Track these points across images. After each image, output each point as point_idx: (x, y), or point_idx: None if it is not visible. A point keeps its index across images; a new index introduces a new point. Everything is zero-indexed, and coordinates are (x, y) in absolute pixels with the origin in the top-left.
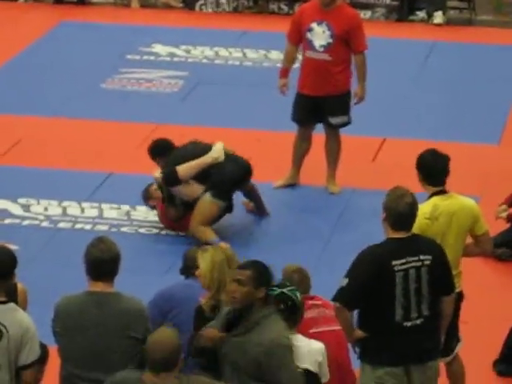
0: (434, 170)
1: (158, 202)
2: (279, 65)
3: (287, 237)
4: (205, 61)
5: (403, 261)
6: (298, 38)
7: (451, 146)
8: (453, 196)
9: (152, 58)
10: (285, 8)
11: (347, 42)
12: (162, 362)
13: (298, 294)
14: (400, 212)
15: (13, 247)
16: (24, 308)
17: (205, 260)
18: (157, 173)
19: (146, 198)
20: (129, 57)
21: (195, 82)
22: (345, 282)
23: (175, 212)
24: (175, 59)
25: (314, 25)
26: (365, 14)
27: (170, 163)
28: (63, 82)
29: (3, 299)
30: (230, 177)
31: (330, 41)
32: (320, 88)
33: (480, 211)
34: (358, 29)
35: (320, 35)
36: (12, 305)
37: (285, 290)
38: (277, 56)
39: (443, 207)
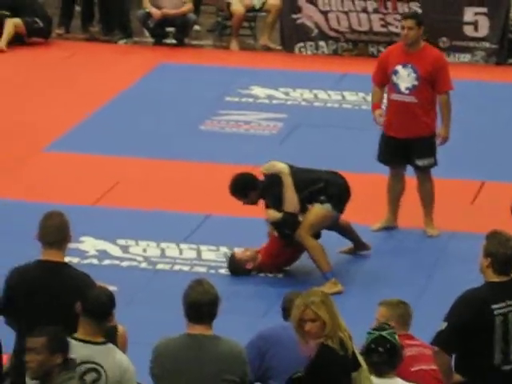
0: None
1: (262, 252)
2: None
3: (384, 278)
4: (304, 103)
5: (503, 304)
6: (383, 79)
7: None
8: None
9: (251, 100)
10: (384, 51)
11: (432, 84)
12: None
13: (397, 338)
14: (508, 256)
15: (111, 288)
16: (124, 350)
17: (320, 308)
18: (271, 213)
19: (238, 267)
20: (228, 99)
21: (294, 125)
22: (444, 325)
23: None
24: (274, 101)
25: (399, 67)
26: (464, 57)
27: (273, 197)
28: (162, 123)
29: (101, 340)
30: (344, 188)
31: (416, 83)
32: (406, 130)
33: None
34: (443, 69)
35: (405, 78)
36: (111, 346)
37: (384, 333)
38: None
39: None
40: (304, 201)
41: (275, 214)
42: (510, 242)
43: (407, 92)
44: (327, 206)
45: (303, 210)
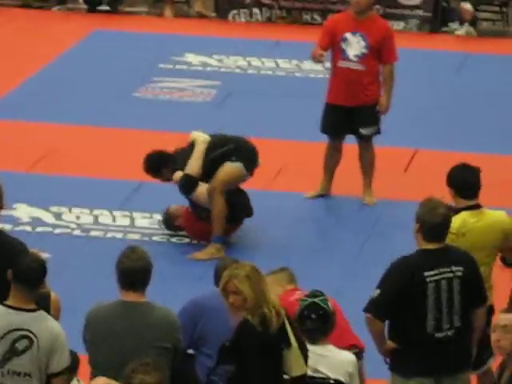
0: (465, 183)
1: (182, 216)
2: (312, 75)
3: (320, 247)
4: (237, 70)
5: (435, 272)
6: (329, 45)
7: (483, 157)
8: (483, 212)
9: (184, 67)
10: (318, 18)
11: (378, 53)
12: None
13: (329, 304)
14: (434, 223)
15: (45, 255)
16: (57, 317)
17: (242, 283)
18: (176, 174)
19: (170, 222)
20: (161, 66)
21: (228, 92)
22: (376, 292)
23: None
24: (208, 69)
25: (348, 35)
26: (398, 25)
27: (183, 163)
28: (96, 90)
29: (33, 307)
30: (253, 151)
31: (364, 51)
32: (352, 98)
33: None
34: (390, 39)
35: (354, 45)
36: (42, 312)
37: (316, 300)
38: (309, 66)
39: (471, 224)
40: (215, 161)
41: (178, 174)
42: (438, 208)
43: (356, 59)
44: (238, 164)
45: (212, 171)
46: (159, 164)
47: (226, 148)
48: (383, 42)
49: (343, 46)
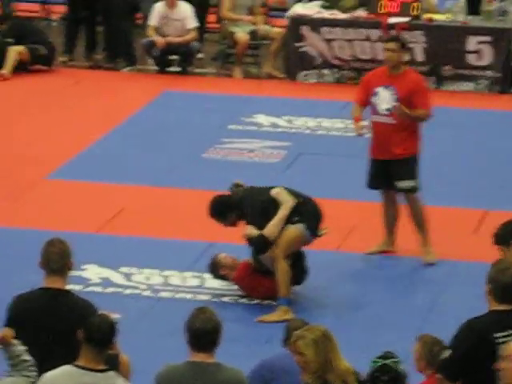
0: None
1: (235, 269)
2: None
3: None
4: (307, 131)
5: (505, 333)
6: (365, 100)
7: None
8: None
9: (254, 128)
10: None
11: (410, 105)
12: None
13: (402, 366)
14: (506, 284)
15: (114, 316)
16: (127, 378)
17: (308, 346)
18: (248, 228)
19: (216, 269)
20: (231, 127)
21: (297, 153)
22: (448, 353)
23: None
24: (278, 130)
25: (380, 89)
26: (467, 86)
27: (251, 214)
28: (166, 151)
29: (103, 367)
30: (318, 212)
31: (395, 104)
32: (384, 151)
33: None
34: (422, 91)
35: (385, 99)
36: (112, 373)
37: (387, 362)
38: None
39: None
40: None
41: (252, 231)
42: (510, 269)
43: (386, 113)
44: (299, 226)
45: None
46: (225, 208)
47: (297, 201)
48: (414, 93)
49: (375, 99)
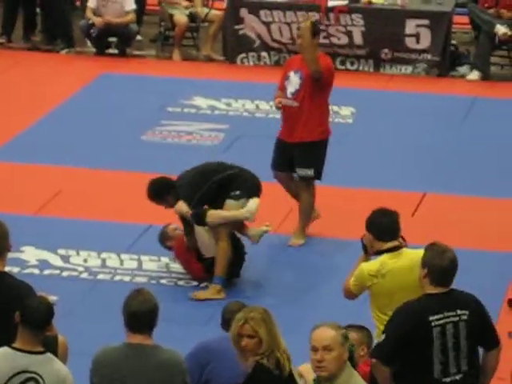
0: (383, 226)
1: (175, 242)
2: None
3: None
4: (245, 114)
5: (440, 316)
6: (283, 85)
7: (492, 201)
8: (403, 252)
9: (193, 110)
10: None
11: (317, 89)
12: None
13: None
14: (443, 268)
15: (52, 298)
16: (65, 360)
17: (259, 325)
18: (182, 206)
19: (163, 239)
20: (170, 109)
21: (236, 135)
22: (382, 337)
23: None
24: (216, 112)
25: (291, 73)
26: (406, 69)
27: (188, 190)
28: (103, 133)
29: (40, 349)
30: (255, 180)
31: (298, 87)
32: (290, 135)
33: None
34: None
35: (293, 83)
36: (49, 355)
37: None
38: None
39: (391, 265)
40: (220, 185)
41: (183, 208)
42: (446, 253)
43: (291, 96)
44: (242, 201)
45: (218, 195)
46: (163, 190)
47: (232, 172)
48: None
49: (286, 83)
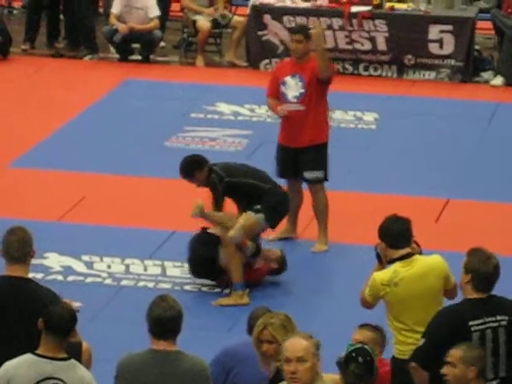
0: (395, 234)
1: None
2: (343, 125)
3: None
4: (269, 120)
5: (480, 321)
6: (275, 92)
7: None
8: (415, 260)
9: (216, 116)
10: (349, 68)
11: (322, 91)
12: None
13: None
14: (489, 274)
15: (76, 304)
16: (88, 367)
17: (278, 331)
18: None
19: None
20: (193, 115)
21: (259, 141)
22: (421, 341)
23: None
24: (239, 118)
25: (287, 78)
26: (429, 75)
27: (226, 170)
28: (127, 139)
29: (63, 356)
30: (282, 205)
31: (302, 91)
32: (295, 139)
33: (447, 267)
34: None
35: (293, 87)
36: (73, 361)
37: (366, 347)
38: (341, 116)
39: (403, 273)
40: (248, 190)
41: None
42: (490, 259)
43: (294, 100)
44: (259, 217)
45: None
46: (194, 166)
47: (265, 186)
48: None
49: (283, 89)
